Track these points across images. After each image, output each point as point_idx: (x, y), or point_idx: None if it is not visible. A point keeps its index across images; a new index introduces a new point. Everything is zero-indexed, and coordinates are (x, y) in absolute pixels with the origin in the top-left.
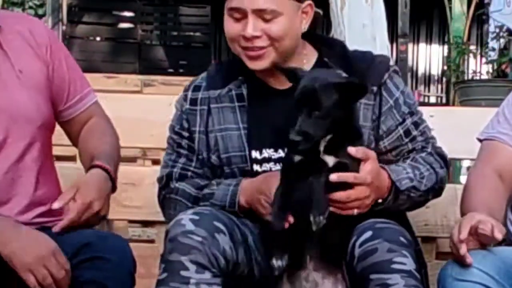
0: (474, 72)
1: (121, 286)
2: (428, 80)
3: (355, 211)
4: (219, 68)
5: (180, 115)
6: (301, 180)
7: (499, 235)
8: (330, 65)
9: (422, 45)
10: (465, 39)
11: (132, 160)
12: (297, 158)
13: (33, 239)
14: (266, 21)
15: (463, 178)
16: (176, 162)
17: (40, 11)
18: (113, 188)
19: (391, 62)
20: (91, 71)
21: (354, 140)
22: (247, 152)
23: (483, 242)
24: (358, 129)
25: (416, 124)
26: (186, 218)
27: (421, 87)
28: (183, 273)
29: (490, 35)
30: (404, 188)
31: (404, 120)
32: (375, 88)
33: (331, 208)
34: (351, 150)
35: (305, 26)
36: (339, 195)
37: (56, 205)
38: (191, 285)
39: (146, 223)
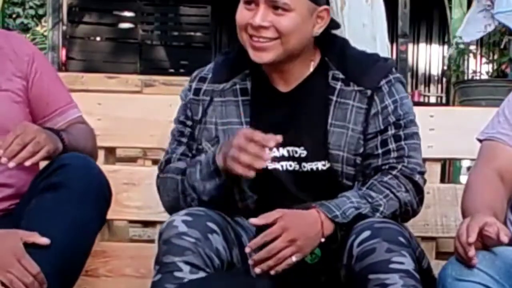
0: (474, 72)
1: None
2: (428, 80)
3: (293, 258)
4: (225, 60)
5: (184, 105)
6: None
7: (505, 239)
8: (329, 66)
9: (422, 45)
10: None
11: (132, 160)
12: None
13: None
14: (277, 14)
15: (463, 178)
16: (176, 149)
17: (40, 11)
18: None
19: (394, 70)
20: (92, 71)
21: None
22: None
23: (487, 244)
24: None
25: (397, 138)
26: (178, 219)
27: (421, 87)
28: (177, 274)
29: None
30: (351, 217)
31: (385, 129)
32: (369, 92)
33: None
34: (252, 221)
35: (318, 30)
36: (260, 254)
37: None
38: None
39: (146, 223)
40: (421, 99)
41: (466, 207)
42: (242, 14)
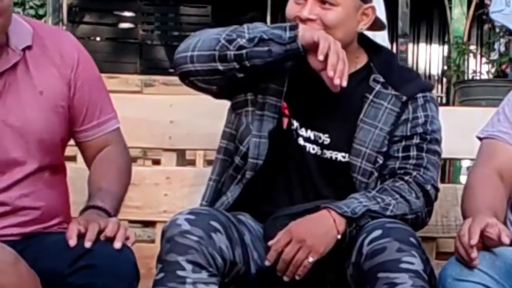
0: (474, 72)
1: None
2: (428, 80)
3: (309, 259)
4: None
5: None
6: None
7: (506, 240)
8: (373, 70)
9: (422, 45)
10: (465, 39)
11: (132, 160)
12: None
13: None
14: (324, 7)
15: (463, 178)
16: None
17: (40, 11)
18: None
19: (433, 91)
20: None
21: None
22: (280, 104)
23: (488, 245)
24: None
25: (419, 148)
26: (182, 218)
27: None
28: (180, 273)
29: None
30: (360, 213)
31: (411, 137)
32: (404, 98)
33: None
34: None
35: (362, 27)
36: (279, 265)
37: (71, 243)
38: (188, 285)
39: (146, 223)
40: None
41: (466, 208)
42: (292, 7)
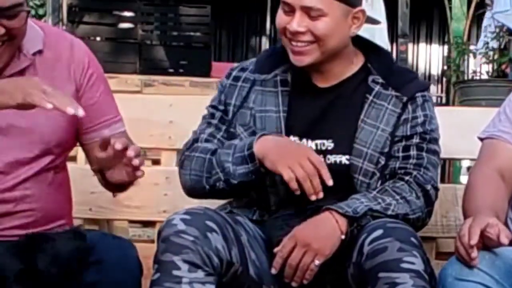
0: (474, 72)
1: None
2: (428, 80)
3: (316, 262)
4: (269, 54)
5: (220, 91)
6: None
7: (505, 240)
8: (371, 71)
9: (422, 45)
10: (465, 39)
11: None
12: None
13: None
14: (312, 18)
15: (463, 178)
16: (205, 130)
17: (40, 11)
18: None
19: (433, 91)
20: None
21: None
22: (283, 134)
23: (488, 245)
24: None
25: (419, 148)
26: (177, 218)
27: None
28: (175, 272)
29: (490, 35)
30: (362, 212)
31: (411, 137)
32: (405, 98)
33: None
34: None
35: (354, 31)
36: (286, 271)
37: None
38: (184, 284)
39: (146, 223)
40: None
41: (467, 208)
42: (281, 18)
